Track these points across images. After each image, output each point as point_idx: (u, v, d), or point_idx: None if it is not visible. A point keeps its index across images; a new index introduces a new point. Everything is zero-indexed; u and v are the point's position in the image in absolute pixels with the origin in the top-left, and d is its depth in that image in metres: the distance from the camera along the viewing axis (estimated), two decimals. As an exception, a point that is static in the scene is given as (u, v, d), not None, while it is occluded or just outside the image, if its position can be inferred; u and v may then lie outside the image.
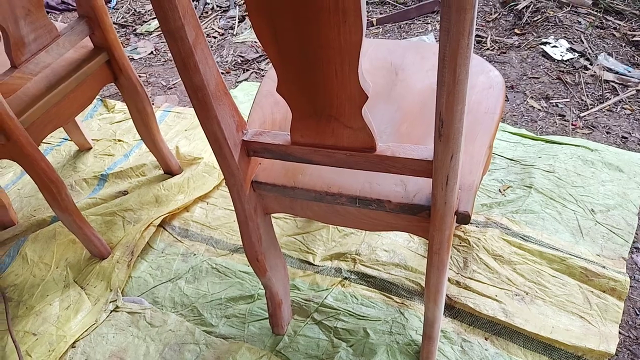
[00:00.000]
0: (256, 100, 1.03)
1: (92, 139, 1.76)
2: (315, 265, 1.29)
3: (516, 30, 2.06)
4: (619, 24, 2.01)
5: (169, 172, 1.57)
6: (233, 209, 1.46)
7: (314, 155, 0.78)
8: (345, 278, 1.25)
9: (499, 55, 1.93)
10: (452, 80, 0.56)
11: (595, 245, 1.29)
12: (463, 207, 0.78)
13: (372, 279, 1.24)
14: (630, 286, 1.20)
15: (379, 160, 0.75)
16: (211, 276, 1.30)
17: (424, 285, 1.21)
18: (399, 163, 0.74)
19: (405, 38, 2.08)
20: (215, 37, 2.25)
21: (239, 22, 2.32)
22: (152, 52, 2.22)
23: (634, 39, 1.94)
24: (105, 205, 1.50)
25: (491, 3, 2.22)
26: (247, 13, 2.36)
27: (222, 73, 2.01)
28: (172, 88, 1.98)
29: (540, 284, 1.22)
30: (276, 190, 0.86)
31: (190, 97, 0.70)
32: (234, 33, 2.26)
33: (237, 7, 2.41)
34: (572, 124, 1.62)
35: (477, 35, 2.05)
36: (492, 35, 2.04)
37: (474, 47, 1.99)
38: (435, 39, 2.01)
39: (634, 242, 1.29)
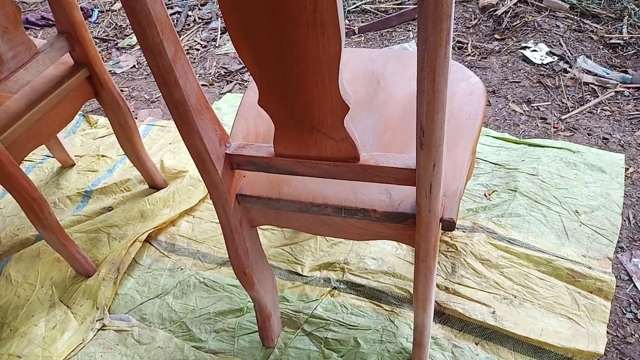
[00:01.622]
0: (239, 113, 1.03)
1: (75, 155, 1.74)
2: (304, 276, 1.28)
3: (496, 36, 2.08)
4: (596, 27, 2.05)
5: (154, 187, 1.56)
6: (219, 222, 1.46)
7: (298, 166, 0.78)
8: (335, 288, 1.24)
9: (479, 60, 1.95)
10: (432, 89, 0.57)
11: (581, 246, 1.30)
12: (448, 214, 0.79)
13: (361, 288, 1.24)
14: (616, 286, 1.21)
15: (363, 170, 0.75)
16: (199, 291, 1.29)
17: (413, 292, 1.21)
18: (382, 172, 0.74)
19: (387, 46, 2.09)
20: (197, 50, 2.25)
21: (221, 34, 2.32)
22: (134, 66, 2.21)
23: (611, 41, 1.97)
24: (89, 222, 1.48)
25: (471, 9, 2.25)
26: (229, 25, 2.37)
27: (206, 85, 2.01)
28: (155, 102, 1.97)
29: (528, 286, 1.22)
30: (261, 202, 0.86)
31: (171, 113, 0.70)
32: (217, 45, 2.26)
33: (219, 18, 2.41)
34: (554, 127, 1.64)
35: (458, 42, 2.07)
36: (472, 41, 2.07)
37: (455, 54, 2.01)
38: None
39: (618, 242, 1.30)
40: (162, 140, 1.76)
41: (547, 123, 1.66)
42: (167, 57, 0.62)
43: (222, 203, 0.84)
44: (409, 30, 2.16)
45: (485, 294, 1.22)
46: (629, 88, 1.75)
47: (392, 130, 0.93)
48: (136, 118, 1.86)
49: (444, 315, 1.18)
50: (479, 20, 2.17)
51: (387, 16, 2.22)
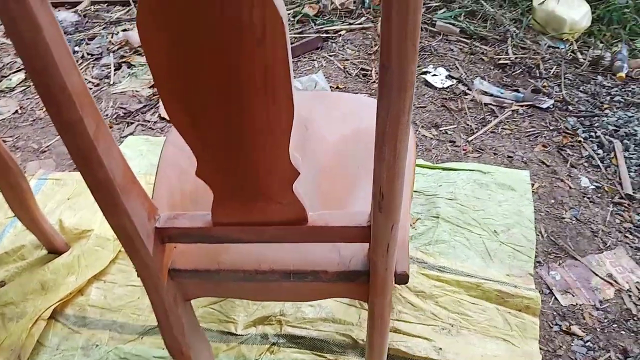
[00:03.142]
0: (159, 171, 0.93)
1: (-49, 222, 1.50)
2: (239, 335, 1.19)
3: (397, 62, 2.14)
4: (485, 49, 2.19)
5: (54, 251, 1.38)
6: (135, 284, 1.32)
7: (239, 234, 0.71)
8: (274, 344, 1.17)
9: (386, 87, 2.00)
10: (393, 156, 0.54)
11: (504, 265, 1.35)
12: (401, 268, 0.76)
13: (301, 340, 1.18)
14: (541, 301, 1.26)
15: (312, 232, 0.70)
16: (122, 367, 1.15)
17: (355, 338, 1.18)
18: (333, 232, 0.70)
19: (295, 77, 2.07)
20: (90, 89, 2.06)
21: (115, 70, 2.15)
22: (16, 112, 1.96)
23: (500, 62, 2.12)
24: (-22, 301, 1.27)
25: (370, 36, 2.30)
26: (123, 59, 2.21)
27: (103, 128, 1.84)
28: (45, 151, 1.76)
29: (463, 313, 1.24)
30: (198, 276, 0.77)
31: (93, 194, 0.60)
32: (111, 82, 2.09)
33: (112, 53, 2.24)
34: (463, 149, 1.71)
35: (362, 69, 2.11)
36: (375, 68, 2.11)
37: (361, 81, 2.04)
38: (325, 75, 2.03)
39: (535, 256, 1.37)
40: (58, 195, 1.57)
41: (456, 146, 1.72)
42: (88, 135, 0.53)
43: (154, 282, 0.74)
44: (313, 60, 2.16)
45: (424, 327, 1.21)
46: (522, 106, 1.88)
47: (329, 179, 0.89)
48: (25, 172, 1.64)
49: (388, 357, 1.15)
50: (379, 46, 2.23)
51: (290, 46, 2.20)
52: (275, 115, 0.53)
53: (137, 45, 2.28)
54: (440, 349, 1.16)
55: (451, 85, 1.99)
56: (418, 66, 2.06)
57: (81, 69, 2.18)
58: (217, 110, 0.53)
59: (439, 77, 2.01)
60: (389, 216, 0.61)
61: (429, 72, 2.04)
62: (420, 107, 1.89)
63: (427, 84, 1.99)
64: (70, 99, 0.50)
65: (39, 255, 1.38)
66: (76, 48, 2.27)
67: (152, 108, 1.94)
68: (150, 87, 2.05)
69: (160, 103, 1.94)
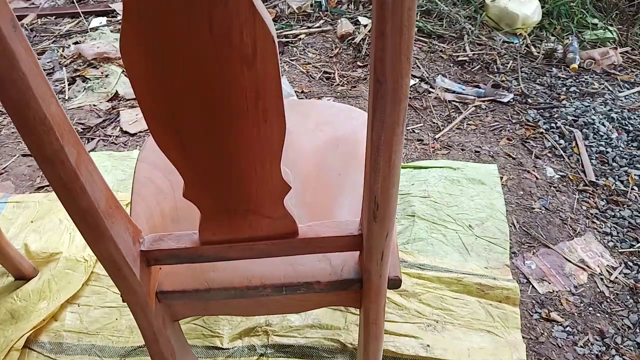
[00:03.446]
0: (135, 191, 0.90)
1: None
2: (225, 349, 1.17)
3: (359, 63, 2.16)
4: (444, 47, 2.23)
5: (22, 278, 1.32)
6: (112, 305, 1.28)
7: (229, 251, 0.70)
8: (262, 355, 1.15)
9: (350, 90, 2.00)
10: (388, 166, 0.53)
11: (481, 259, 1.38)
12: (393, 273, 0.76)
13: (290, 348, 1.16)
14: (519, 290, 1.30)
15: (304, 244, 0.69)
16: (105, 394, 1.11)
17: (343, 342, 1.17)
18: (324, 242, 0.69)
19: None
20: (44, 105, 1.98)
21: (69, 85, 2.08)
22: (-34, 133, 1.87)
23: (459, 59, 2.16)
24: (-58, 338, 1.19)
25: (330, 39, 2.30)
26: (77, 73, 2.13)
27: (63, 146, 1.77)
28: (2, 173, 1.68)
29: (446, 308, 1.26)
30: (187, 296, 0.75)
31: (76, 223, 0.57)
32: (66, 97, 2.01)
33: (64, 68, 2.16)
34: (431, 147, 1.73)
35: (324, 72, 2.10)
36: (338, 70, 2.11)
37: (325, 84, 2.04)
38: (289, 80, 2.02)
39: (510, 247, 1.40)
40: (20, 219, 1.50)
41: (424, 144, 1.75)
42: (69, 164, 0.51)
43: (142, 307, 0.72)
44: (276, 65, 2.14)
45: (410, 325, 1.22)
46: (484, 101, 1.92)
47: (312, 189, 0.88)
48: (-19, 197, 1.57)
49: (377, 358, 1.16)
50: (339, 49, 2.24)
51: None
52: (266, 132, 0.52)
53: (90, 58, 2.20)
54: (428, 345, 1.17)
55: (414, 85, 2.01)
56: (381, 66, 2.09)
57: (34, 85, 2.09)
58: (206, 131, 0.51)
59: (402, 76, 2.03)
60: (384, 225, 0.61)
61: (392, 72, 2.05)
62: (386, 106, 1.91)
63: (391, 83, 2.01)
64: (50, 130, 0.47)
65: (6, 282, 1.32)
66: (27, 63, 2.17)
67: (112, 122, 1.88)
68: (108, 101, 1.99)
69: (121, 116, 1.88)
